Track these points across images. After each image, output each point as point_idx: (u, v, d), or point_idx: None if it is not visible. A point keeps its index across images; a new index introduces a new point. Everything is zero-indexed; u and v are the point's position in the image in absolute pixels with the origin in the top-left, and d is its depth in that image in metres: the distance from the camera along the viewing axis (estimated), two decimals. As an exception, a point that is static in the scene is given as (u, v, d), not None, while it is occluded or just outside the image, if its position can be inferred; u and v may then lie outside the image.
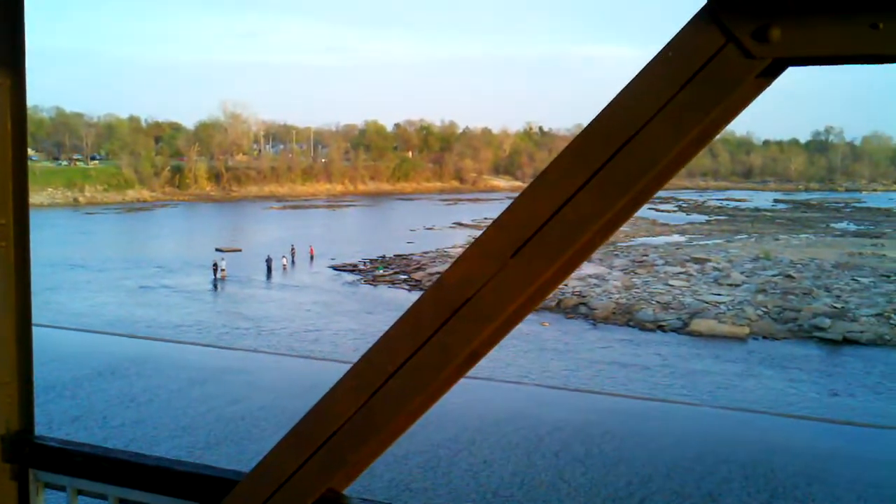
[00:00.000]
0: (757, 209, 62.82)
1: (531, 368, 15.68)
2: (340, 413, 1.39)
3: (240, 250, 37.44)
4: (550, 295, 1.49)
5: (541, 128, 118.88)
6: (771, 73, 1.27)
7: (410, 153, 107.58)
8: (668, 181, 1.37)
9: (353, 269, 32.77)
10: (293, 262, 34.54)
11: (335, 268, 33.01)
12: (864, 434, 10.20)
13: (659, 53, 1.29)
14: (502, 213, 1.32)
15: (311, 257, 35.70)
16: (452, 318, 1.33)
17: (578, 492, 6.80)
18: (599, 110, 1.33)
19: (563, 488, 6.84)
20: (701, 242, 37.06)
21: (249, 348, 16.00)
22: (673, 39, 1.28)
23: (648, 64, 1.29)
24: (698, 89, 1.26)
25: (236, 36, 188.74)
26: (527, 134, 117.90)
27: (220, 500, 1.55)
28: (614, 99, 1.30)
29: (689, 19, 1.28)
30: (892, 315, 19.96)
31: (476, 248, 1.34)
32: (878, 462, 8.23)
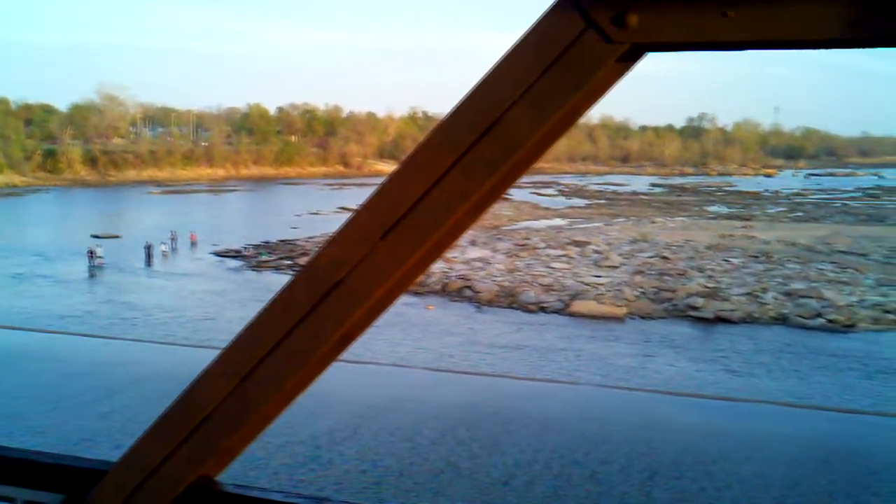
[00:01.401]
0: (635, 193, 64.53)
1: (417, 351, 15.78)
2: (210, 398, 1.37)
3: (118, 237, 36.24)
4: (422, 276, 1.52)
5: (425, 112, 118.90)
6: (630, 57, 1.31)
7: (294, 137, 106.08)
8: (534, 163, 1.42)
9: (236, 255, 32.15)
10: (174, 248, 33.62)
11: (218, 254, 32.33)
12: (749, 410, 10.65)
13: (521, 39, 1.32)
14: (371, 196, 1.33)
15: (193, 243, 34.80)
16: (323, 300, 1.33)
17: (463, 476, 6.86)
18: (465, 94, 1.37)
19: (449, 472, 6.89)
20: (581, 226, 37.88)
21: (143, 338, 15.56)
22: (535, 25, 1.31)
23: (511, 49, 1.32)
24: (560, 74, 1.29)
25: (114, 17, 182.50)
26: (412, 118, 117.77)
27: (88, 491, 1.50)
28: (479, 83, 1.33)
29: (550, 5, 1.32)
30: (761, 294, 20.88)
31: (346, 231, 1.35)
32: (755, 436, 8.55)
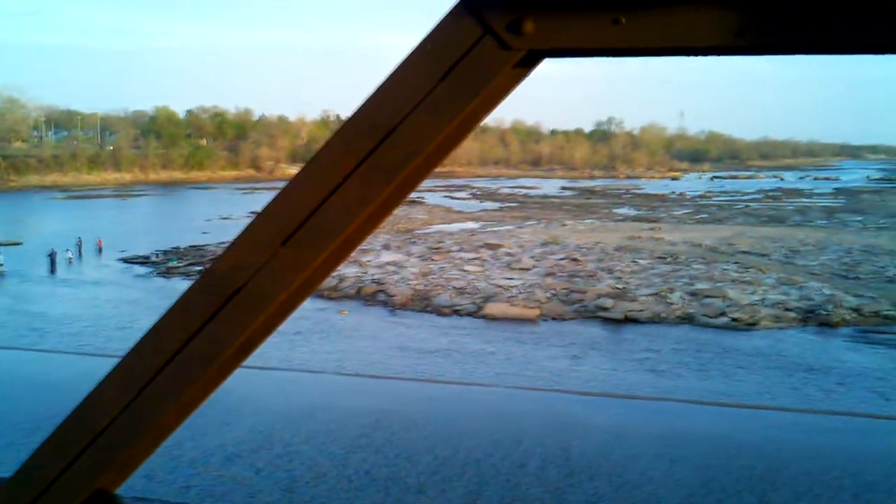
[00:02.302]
0: (546, 196, 65.35)
1: (331, 357, 15.70)
2: (107, 409, 1.34)
3: (20, 243, 35.04)
4: (325, 281, 1.51)
5: (338, 116, 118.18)
6: (527, 64, 1.35)
7: (204, 141, 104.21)
8: (434, 169, 1.44)
9: (144, 261, 31.38)
10: (80, 254, 32.60)
11: (125, 260, 31.51)
12: (660, 408, 10.87)
13: (419, 45, 1.34)
14: (272, 201, 1.32)
15: (100, 250, 33.78)
16: (223, 307, 1.31)
17: (378, 484, 6.83)
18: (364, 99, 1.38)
19: (364, 480, 6.83)
20: (494, 229, 38.16)
21: (55, 349, 15.07)
22: (432, 31, 1.33)
23: (409, 55, 1.34)
24: (457, 80, 1.31)
25: (13, 15, 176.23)
26: (324, 122, 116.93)
27: None
28: (378, 89, 1.34)
29: (446, 11, 1.34)
30: (668, 294, 21.40)
31: (246, 236, 1.33)
32: (667, 434, 8.69)
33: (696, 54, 1.35)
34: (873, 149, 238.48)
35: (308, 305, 21.00)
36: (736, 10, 1.27)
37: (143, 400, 1.32)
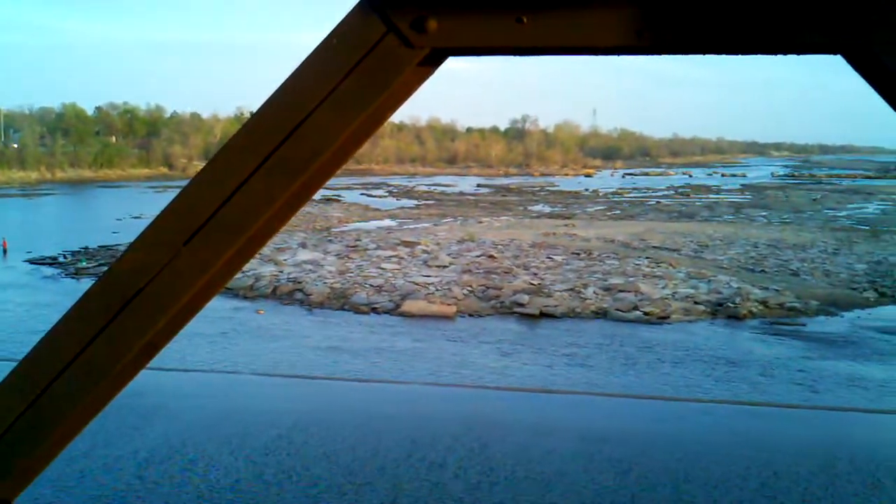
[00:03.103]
0: (462, 193, 65.63)
1: (248, 357, 15.51)
2: (4, 417, 1.30)
3: (-84, 245, 33.70)
4: (230, 281, 1.50)
5: (252, 112, 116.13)
6: (431, 62, 1.38)
7: (114, 138, 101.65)
8: (341, 167, 1.45)
9: (52, 262, 30.42)
10: (-18, 256, 31.57)
11: (32, 262, 30.50)
12: (573, 401, 11.03)
13: (324, 41, 1.35)
14: (173, 200, 1.30)
15: (4, 251, 32.66)
16: (124, 309, 1.30)
17: (296, 486, 6.80)
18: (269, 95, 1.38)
19: (283, 482, 6.80)
20: (411, 226, 38.19)
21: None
22: (336, 27, 1.35)
23: (314, 51, 1.35)
24: (362, 77, 1.33)
25: None
26: (238, 119, 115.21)
27: None
28: (282, 85, 1.34)
29: (351, 8, 1.36)
30: (582, 289, 21.73)
31: (147, 236, 1.31)
32: (583, 429, 8.77)
33: (598, 54, 1.41)
34: (778, 146, 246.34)
35: (224, 305, 20.68)
36: (637, 11, 1.33)
37: (40, 407, 1.30)
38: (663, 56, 1.57)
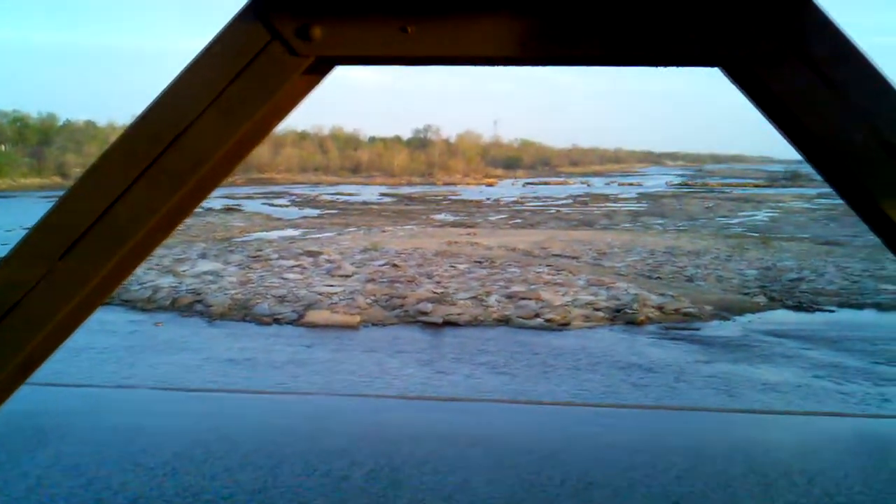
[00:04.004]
0: (366, 203, 65.42)
1: (147, 371, 15.13)
2: None
3: None
4: (110, 295, 1.46)
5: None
6: (317, 70, 1.40)
7: (3, 147, 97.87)
8: (226, 177, 1.44)
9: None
10: None
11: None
12: (478, 409, 11.13)
13: (207, 47, 1.35)
14: (48, 212, 1.27)
15: None
16: None
17: None
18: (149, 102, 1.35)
19: (185, 499, 6.70)
20: (314, 236, 37.91)
21: None
22: (220, 34, 1.34)
23: (197, 58, 1.34)
24: (246, 86, 1.33)
25: None
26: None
27: None
28: (164, 92, 1.33)
29: (234, 14, 1.35)
30: (485, 297, 21.94)
31: (20, 250, 1.28)
32: (488, 436, 8.88)
33: (483, 64, 1.47)
34: (673, 156, 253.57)
35: (120, 318, 20.14)
36: (521, 22, 1.40)
37: None
38: (559, 67, 1.65)
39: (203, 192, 1.40)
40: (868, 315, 21.61)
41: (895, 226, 1.50)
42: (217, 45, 1.33)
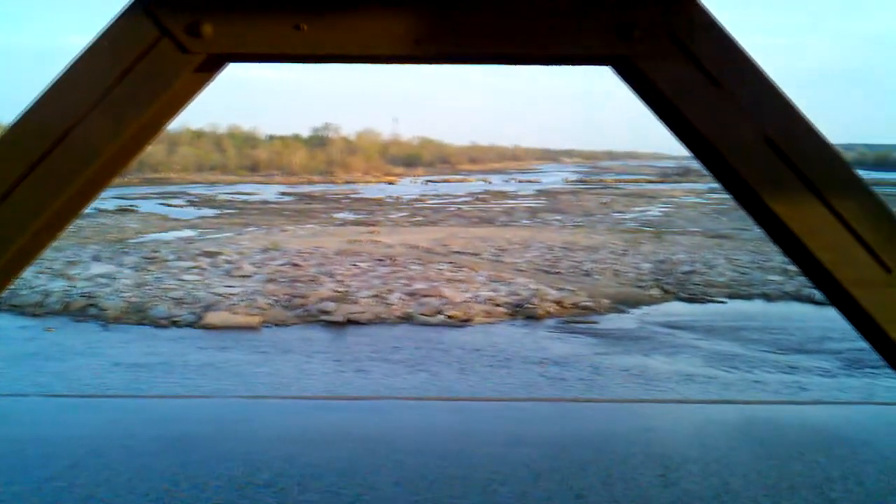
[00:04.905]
0: (265, 202, 64.54)
1: (38, 378, 14.63)
2: None
3: None
4: (2, 295, 1.39)
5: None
6: (209, 68, 1.37)
7: None
8: (116, 176, 1.39)
9: None
10: None
11: None
12: (377, 406, 11.10)
13: (93, 43, 1.30)
14: None
15: None
16: None
17: None
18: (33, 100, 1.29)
19: None
20: (212, 236, 37.20)
21: None
22: (107, 30, 1.29)
23: (82, 53, 1.29)
24: (135, 83, 1.29)
25: None
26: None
27: None
28: (48, 89, 1.26)
29: (121, 9, 1.30)
30: (387, 295, 21.94)
31: None
32: (391, 434, 8.85)
33: (378, 62, 1.48)
34: (569, 153, 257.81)
35: (8, 324, 19.39)
36: (415, 20, 1.42)
37: None
38: (456, 65, 1.67)
39: (92, 192, 1.35)
40: (756, 305, 22.47)
41: (778, 219, 1.59)
42: (104, 41, 1.29)
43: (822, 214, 1.58)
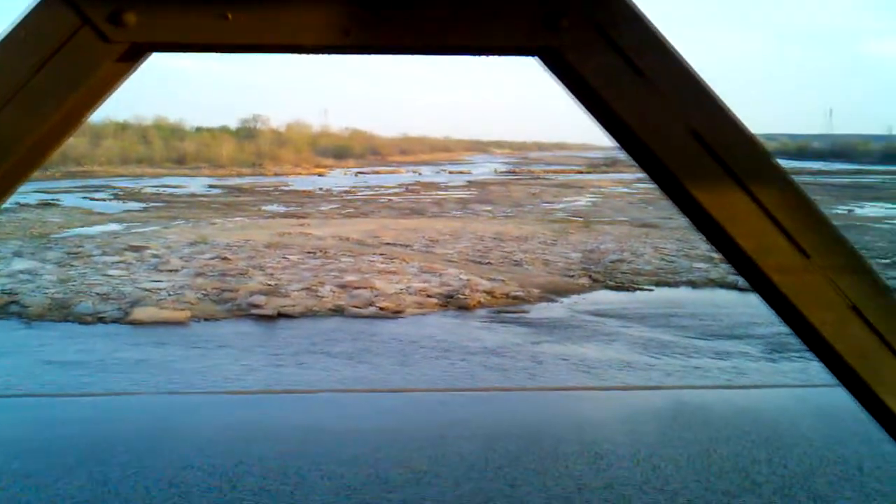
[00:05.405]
0: (193, 195, 63.48)
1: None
2: None
3: None
4: None
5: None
6: (131, 57, 1.34)
7: None
8: (35, 171, 1.36)
9: None
10: None
11: None
12: (305, 400, 11.05)
13: (10, 32, 1.27)
14: None
15: None
16: None
17: None
18: None
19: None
20: (139, 230, 36.48)
21: None
22: (25, 18, 1.26)
23: None
24: (55, 73, 1.26)
25: None
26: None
27: None
28: None
29: None
30: (318, 288, 21.83)
31: None
32: (328, 426, 8.85)
33: (304, 52, 1.47)
34: (499, 144, 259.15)
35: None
36: (344, 11, 1.42)
37: None
38: (385, 56, 1.67)
39: (10, 185, 1.31)
40: (683, 293, 22.94)
41: (701, 207, 1.63)
42: (20, 31, 1.25)
43: (743, 203, 1.63)
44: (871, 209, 48.17)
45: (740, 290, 21.01)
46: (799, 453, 7.91)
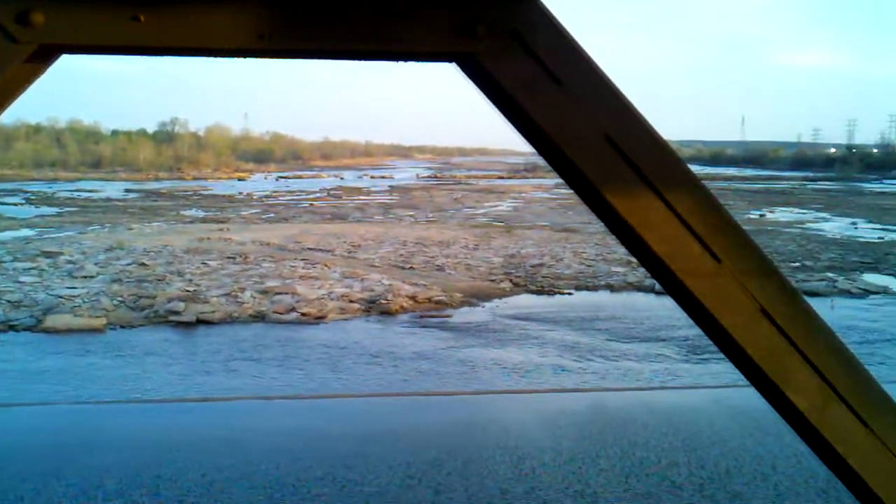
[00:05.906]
0: (109, 199, 62.03)
1: None
2: None
3: None
4: None
5: None
6: (41, 59, 1.31)
7: None
8: None
9: None
10: None
11: None
12: (228, 407, 10.90)
13: None
14: None
15: None
16: None
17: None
18: None
19: None
20: (52, 235, 35.47)
21: None
22: None
23: None
24: None
25: None
26: None
27: None
28: None
29: None
30: (239, 294, 21.54)
31: None
32: (240, 434, 8.74)
33: (219, 55, 1.45)
34: (421, 149, 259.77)
35: None
36: (259, 14, 1.40)
37: None
38: (305, 60, 1.66)
39: None
40: (602, 296, 23.29)
41: (616, 213, 1.66)
42: None
43: (657, 209, 1.66)
44: (781, 214, 49.76)
45: (657, 293, 21.43)
46: (716, 454, 8.10)
